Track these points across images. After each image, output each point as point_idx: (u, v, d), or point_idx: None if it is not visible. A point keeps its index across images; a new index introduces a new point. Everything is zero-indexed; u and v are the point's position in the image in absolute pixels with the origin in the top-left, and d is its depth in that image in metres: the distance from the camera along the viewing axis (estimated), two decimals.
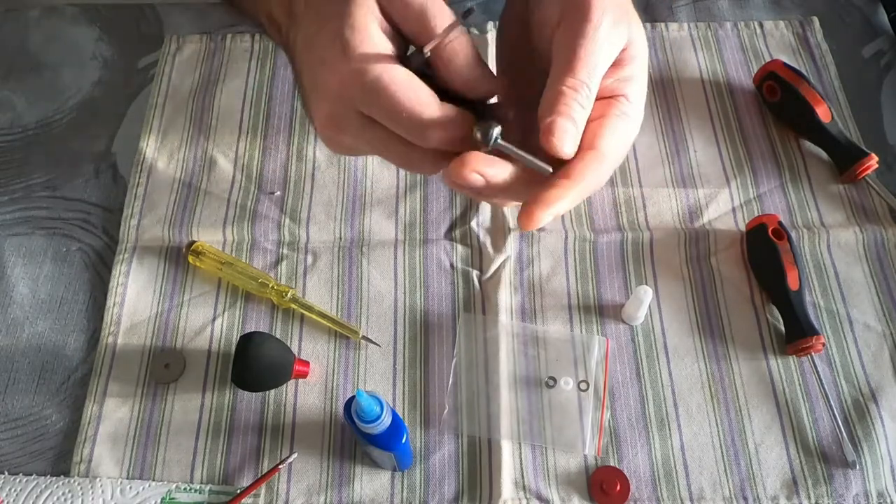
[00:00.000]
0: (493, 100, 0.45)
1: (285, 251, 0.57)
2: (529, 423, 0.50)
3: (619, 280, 0.56)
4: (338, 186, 0.60)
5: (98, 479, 0.48)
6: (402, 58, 0.44)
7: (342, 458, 0.49)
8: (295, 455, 0.49)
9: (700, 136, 0.62)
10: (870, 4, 0.70)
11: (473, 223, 0.58)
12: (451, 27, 0.41)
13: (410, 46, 0.44)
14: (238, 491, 0.47)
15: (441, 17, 0.43)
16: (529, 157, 0.42)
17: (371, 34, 0.43)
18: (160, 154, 0.61)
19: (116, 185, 0.60)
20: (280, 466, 0.48)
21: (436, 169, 0.45)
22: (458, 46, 0.43)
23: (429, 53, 0.43)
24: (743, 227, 0.57)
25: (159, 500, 0.47)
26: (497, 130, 0.40)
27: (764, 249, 0.54)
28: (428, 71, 0.44)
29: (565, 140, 0.39)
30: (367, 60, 0.42)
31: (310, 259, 0.57)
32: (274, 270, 0.56)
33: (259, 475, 0.48)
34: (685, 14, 0.70)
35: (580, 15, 0.40)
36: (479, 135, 0.40)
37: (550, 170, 0.42)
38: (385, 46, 0.44)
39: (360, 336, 0.53)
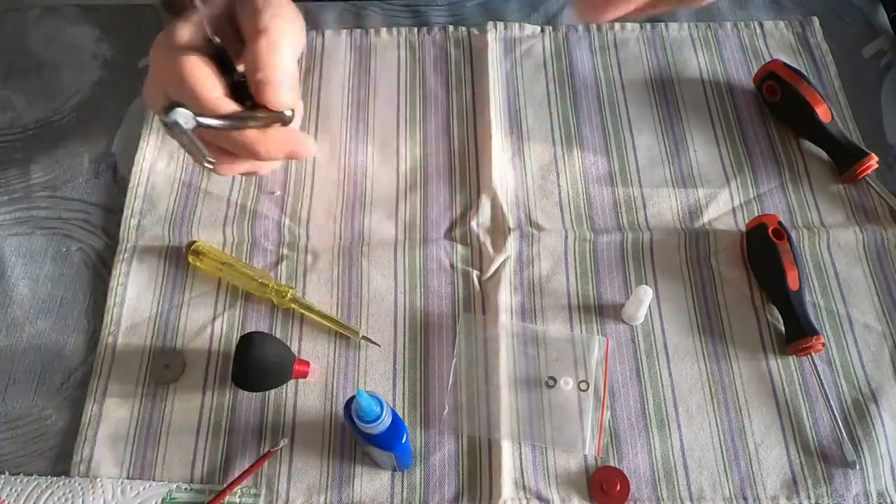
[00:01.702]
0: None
1: (285, 251, 0.57)
2: (529, 423, 0.50)
3: (619, 280, 0.56)
4: (338, 186, 0.60)
5: (98, 479, 0.48)
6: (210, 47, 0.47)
7: (342, 458, 0.49)
8: (285, 441, 0.49)
9: (700, 136, 0.62)
10: (870, 4, 0.70)
11: (473, 223, 0.58)
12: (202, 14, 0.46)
13: None
14: (221, 487, 0.47)
15: (257, 21, 0.47)
16: (197, 146, 0.45)
17: (194, 28, 0.47)
18: (160, 154, 0.61)
19: (116, 185, 0.60)
20: (273, 451, 0.48)
21: (223, 169, 0.49)
22: (256, 47, 0.46)
23: (217, 39, 0.47)
24: (743, 227, 0.57)
25: (160, 501, 0.47)
26: (177, 112, 0.41)
27: (764, 249, 0.54)
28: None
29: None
30: (174, 47, 0.47)
31: (310, 259, 0.57)
32: (274, 270, 0.56)
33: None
34: (685, 14, 0.70)
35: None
36: (162, 118, 0.41)
37: (211, 162, 0.47)
38: (200, 38, 0.47)
39: (361, 336, 0.53)
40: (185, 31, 0.47)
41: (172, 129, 0.41)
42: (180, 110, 0.41)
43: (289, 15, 0.49)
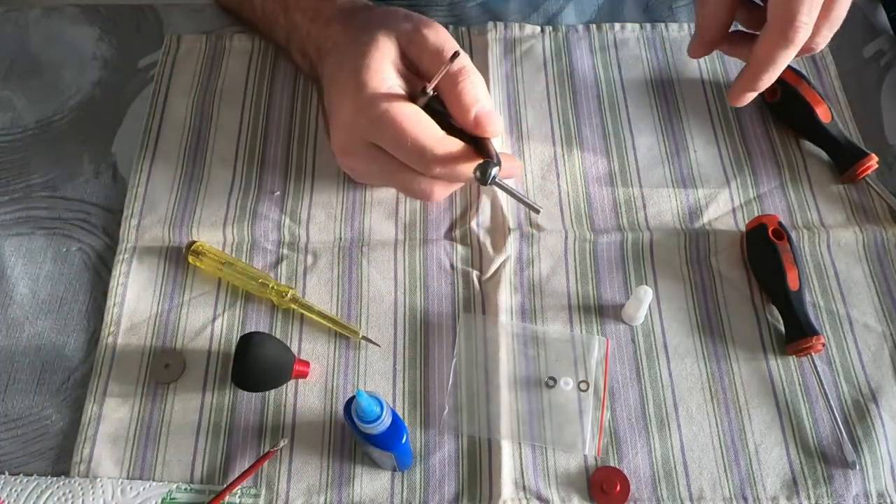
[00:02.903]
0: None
1: (285, 251, 0.57)
2: (529, 423, 0.50)
3: (619, 280, 0.56)
4: (338, 186, 0.60)
5: (98, 480, 0.48)
6: (413, 95, 0.48)
7: (342, 458, 0.49)
8: (285, 441, 0.49)
9: (700, 136, 0.63)
10: (870, 4, 0.70)
11: (473, 223, 0.58)
12: (444, 68, 0.47)
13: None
14: (221, 487, 0.47)
15: (456, 62, 0.49)
16: (521, 196, 0.49)
17: (384, 74, 0.50)
18: (160, 154, 0.61)
19: (116, 185, 0.60)
20: (273, 451, 0.48)
21: (439, 196, 0.50)
22: (465, 87, 0.48)
23: (431, 92, 0.49)
24: (743, 228, 0.57)
25: (160, 501, 0.47)
26: (495, 170, 0.45)
27: (764, 249, 0.54)
28: (440, 108, 0.48)
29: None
30: (377, 97, 0.48)
31: (310, 259, 0.57)
32: (274, 270, 0.56)
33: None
34: (685, 14, 0.70)
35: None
36: (478, 173, 0.45)
37: (541, 208, 0.51)
38: (396, 85, 0.50)
39: (360, 336, 0.53)
40: (380, 79, 0.49)
41: (491, 186, 0.46)
42: (495, 169, 0.44)
43: (452, 39, 0.51)
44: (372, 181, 0.57)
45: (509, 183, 0.50)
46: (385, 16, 0.53)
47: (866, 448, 0.49)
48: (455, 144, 0.48)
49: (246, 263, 0.56)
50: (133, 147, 0.61)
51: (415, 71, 0.52)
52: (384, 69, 0.49)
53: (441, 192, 0.51)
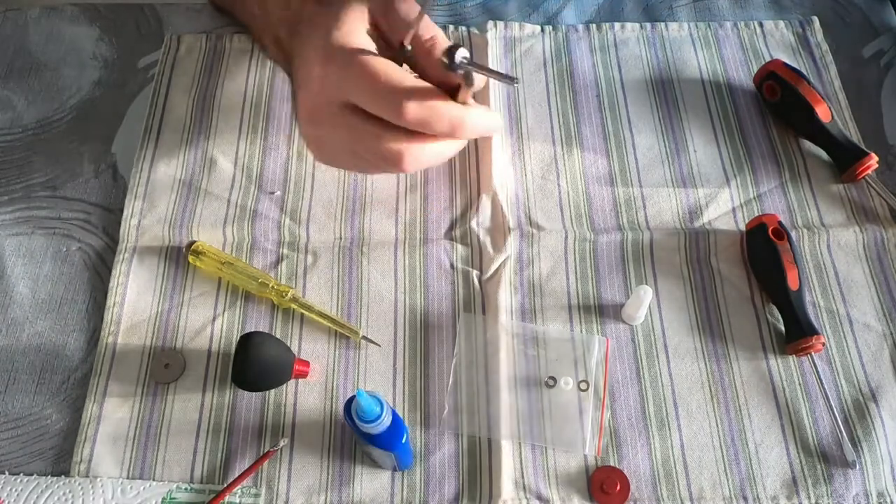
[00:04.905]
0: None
1: (285, 251, 0.57)
2: (529, 423, 0.50)
3: (619, 280, 0.56)
4: (338, 186, 0.60)
5: (98, 479, 0.48)
6: (389, 56, 0.49)
7: (342, 458, 0.49)
8: (285, 441, 0.49)
9: (700, 136, 0.63)
10: (870, 4, 0.70)
11: (473, 223, 0.58)
12: (418, 20, 0.47)
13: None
14: (221, 487, 0.47)
15: (426, 25, 0.49)
16: (496, 71, 0.45)
17: (356, 34, 0.48)
18: (160, 154, 0.61)
19: (116, 185, 0.60)
20: (273, 451, 0.48)
21: (409, 162, 0.47)
22: (437, 41, 0.48)
23: (409, 47, 0.48)
24: (743, 227, 0.57)
25: (160, 501, 0.47)
26: (461, 52, 0.42)
27: (764, 249, 0.54)
28: (410, 69, 0.49)
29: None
30: (347, 49, 0.47)
31: (310, 259, 0.57)
32: (274, 270, 0.56)
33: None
34: (685, 14, 0.70)
35: None
36: (444, 59, 0.42)
37: (517, 79, 0.46)
38: (369, 44, 0.48)
39: (360, 336, 0.53)
40: (352, 36, 0.47)
41: (463, 68, 0.42)
42: (460, 51, 0.41)
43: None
44: (337, 156, 0.52)
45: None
46: None
47: (866, 448, 0.49)
48: (429, 87, 0.45)
49: (246, 263, 0.56)
50: (133, 147, 0.61)
51: (386, 41, 0.50)
52: (356, 30, 0.48)
53: (411, 156, 0.47)
